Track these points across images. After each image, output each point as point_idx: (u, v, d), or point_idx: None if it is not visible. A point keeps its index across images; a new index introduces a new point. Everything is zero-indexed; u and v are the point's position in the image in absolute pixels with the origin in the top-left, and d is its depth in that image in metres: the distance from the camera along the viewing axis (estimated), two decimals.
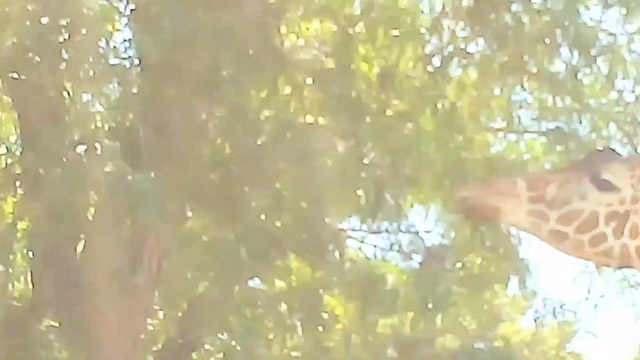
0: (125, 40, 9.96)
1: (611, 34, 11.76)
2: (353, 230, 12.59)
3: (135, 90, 9.32)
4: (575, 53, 11.06)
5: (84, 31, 8.46)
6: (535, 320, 13.30)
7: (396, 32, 10.84)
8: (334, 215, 10.83)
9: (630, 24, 12.25)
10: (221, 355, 11.32)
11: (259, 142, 9.45)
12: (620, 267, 4.35)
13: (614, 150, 4.57)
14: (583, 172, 4.27)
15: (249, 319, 10.72)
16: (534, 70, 11.53)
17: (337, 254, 10.71)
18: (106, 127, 9.57)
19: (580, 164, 4.45)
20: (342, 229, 11.51)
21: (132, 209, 8.02)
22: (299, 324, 11.32)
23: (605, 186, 4.21)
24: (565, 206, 4.21)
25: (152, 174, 8.33)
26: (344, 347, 11.79)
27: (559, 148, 12.33)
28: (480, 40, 11.37)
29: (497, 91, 11.94)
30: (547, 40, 11.05)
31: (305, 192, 9.74)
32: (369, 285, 10.86)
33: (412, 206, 12.01)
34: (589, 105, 12.21)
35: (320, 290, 11.29)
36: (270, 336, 11.33)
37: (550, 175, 4.37)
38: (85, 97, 9.75)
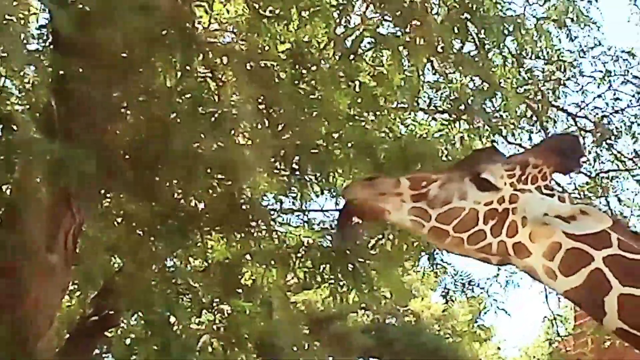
0: (40, 27, 9.96)
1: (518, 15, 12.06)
2: (268, 209, 12.61)
3: (50, 70, 9.28)
4: (483, 32, 11.30)
5: None
6: (444, 296, 13.53)
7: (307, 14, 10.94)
8: (251, 191, 10.91)
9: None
10: (139, 330, 11.33)
11: (173, 120, 9.47)
12: (499, 264, 4.49)
13: (496, 150, 4.74)
14: (464, 172, 4.44)
15: (167, 296, 10.77)
16: (443, 50, 11.71)
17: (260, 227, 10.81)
18: (20, 109, 9.53)
19: (462, 164, 4.63)
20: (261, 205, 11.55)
21: (51, 175, 7.96)
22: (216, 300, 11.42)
23: (485, 185, 4.38)
24: (445, 205, 4.35)
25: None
26: (261, 320, 11.87)
27: (468, 127, 12.58)
28: (390, 22, 11.54)
29: (407, 72, 12.07)
30: (456, 21, 11.26)
31: (221, 169, 9.81)
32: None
33: (325, 185, 12.06)
34: (498, 84, 12.42)
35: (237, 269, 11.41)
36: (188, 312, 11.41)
37: (433, 174, 4.45)
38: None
